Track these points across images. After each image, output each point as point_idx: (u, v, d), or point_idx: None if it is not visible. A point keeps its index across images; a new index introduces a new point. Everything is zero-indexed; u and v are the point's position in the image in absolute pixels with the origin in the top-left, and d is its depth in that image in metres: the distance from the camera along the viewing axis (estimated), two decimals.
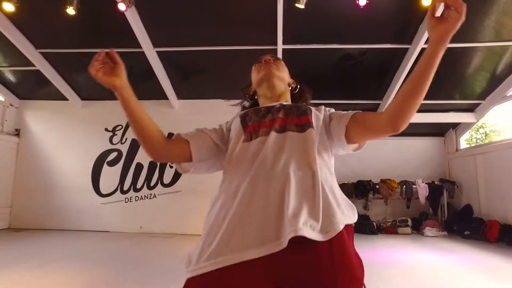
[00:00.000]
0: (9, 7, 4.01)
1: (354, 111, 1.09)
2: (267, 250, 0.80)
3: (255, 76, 1.28)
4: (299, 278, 0.81)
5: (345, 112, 1.13)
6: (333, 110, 1.19)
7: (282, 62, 1.31)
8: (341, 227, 0.88)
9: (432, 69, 0.92)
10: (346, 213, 0.95)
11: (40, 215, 6.44)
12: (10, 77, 6.40)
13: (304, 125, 1.04)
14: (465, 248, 5.05)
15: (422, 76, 0.92)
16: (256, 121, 1.07)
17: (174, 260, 4.16)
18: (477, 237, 5.79)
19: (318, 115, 1.13)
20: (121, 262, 4.03)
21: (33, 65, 5.65)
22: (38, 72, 5.84)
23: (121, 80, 1.05)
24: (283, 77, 1.27)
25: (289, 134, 1.01)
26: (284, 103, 1.18)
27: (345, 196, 1.03)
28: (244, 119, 1.11)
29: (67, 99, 6.58)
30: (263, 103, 1.23)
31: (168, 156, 1.16)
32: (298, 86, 1.34)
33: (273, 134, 1.01)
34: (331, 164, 1.10)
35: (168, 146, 1.11)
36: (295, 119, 1.07)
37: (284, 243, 0.80)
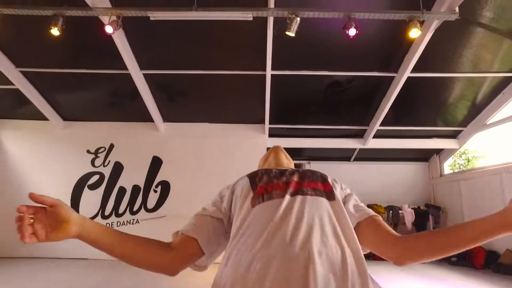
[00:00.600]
0: None
1: (373, 212, 1.02)
2: None
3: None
4: None
5: (362, 204, 1.06)
6: (348, 190, 1.11)
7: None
8: None
9: (476, 244, 0.85)
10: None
11: (15, 242, 6.00)
12: None
13: (329, 193, 0.94)
14: (453, 275, 5.02)
15: (462, 246, 0.85)
16: (267, 182, 0.96)
17: None
18: (463, 263, 5.79)
19: (337, 186, 1.05)
20: None
21: (12, 84, 5.45)
22: (17, 91, 5.63)
23: (75, 222, 0.81)
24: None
25: (308, 196, 0.89)
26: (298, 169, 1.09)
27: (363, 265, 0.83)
28: (253, 178, 1.00)
29: (47, 119, 6.34)
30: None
31: (183, 264, 0.96)
32: None
33: (287, 197, 0.88)
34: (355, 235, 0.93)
35: (177, 257, 0.94)
36: (314, 183, 0.97)
37: None
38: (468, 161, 8.99)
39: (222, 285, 0.79)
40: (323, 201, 0.91)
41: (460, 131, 6.71)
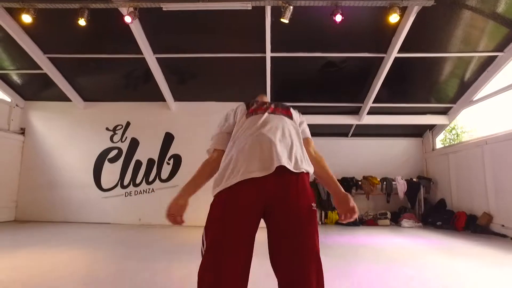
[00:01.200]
0: (27, 19, 4.47)
1: (309, 135, 1.71)
2: (264, 173, 1.34)
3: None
4: (277, 194, 1.36)
5: (307, 129, 1.73)
6: (303, 119, 1.75)
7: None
8: (304, 170, 1.44)
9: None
10: (307, 165, 1.50)
11: (44, 208, 6.87)
12: (17, 79, 6.84)
13: (290, 115, 1.65)
14: (434, 236, 5.64)
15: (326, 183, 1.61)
16: (255, 107, 1.64)
17: (174, 243, 4.65)
18: (447, 227, 6.40)
19: (296, 114, 1.71)
20: (124, 245, 4.50)
21: (40, 69, 6.10)
22: (43, 75, 6.30)
23: (186, 207, 1.53)
24: None
25: (277, 115, 1.60)
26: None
27: (308, 157, 1.55)
28: (248, 104, 1.69)
29: (70, 100, 7.03)
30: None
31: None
32: None
33: (266, 114, 1.58)
34: (300, 137, 1.60)
35: (217, 164, 1.54)
36: (282, 110, 1.66)
37: (273, 168, 1.35)
38: (457, 135, 9.45)
39: (229, 158, 1.44)
40: (286, 119, 1.60)
41: (450, 107, 7.17)
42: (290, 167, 1.38)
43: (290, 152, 1.43)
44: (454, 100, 6.96)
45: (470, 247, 4.51)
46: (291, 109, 1.70)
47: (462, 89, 6.57)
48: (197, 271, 1.30)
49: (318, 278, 1.30)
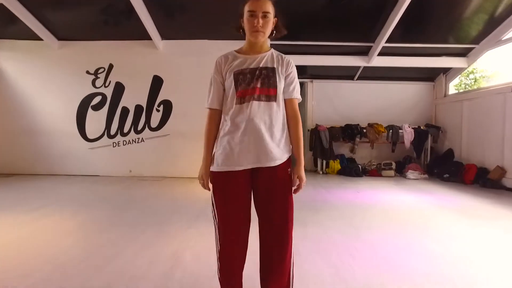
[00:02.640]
0: None
1: (294, 96, 1.59)
2: (254, 166, 1.52)
3: (247, 28, 1.55)
4: (261, 182, 1.54)
5: (293, 86, 1.59)
6: (293, 73, 1.61)
7: (269, 19, 1.54)
8: (281, 162, 1.54)
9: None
10: (283, 155, 1.55)
11: (25, 159, 6.41)
12: None
13: (271, 96, 1.53)
14: (441, 190, 5.32)
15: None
16: (243, 87, 1.52)
17: (165, 201, 4.29)
18: (455, 180, 6.09)
19: (280, 73, 1.57)
20: (113, 204, 4.14)
21: None
22: (3, 7, 5.35)
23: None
24: (266, 36, 1.58)
25: (262, 103, 1.52)
26: (262, 66, 1.56)
27: (286, 138, 1.58)
28: (236, 81, 1.54)
29: (42, 39, 6.14)
30: (247, 47, 1.63)
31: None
32: (275, 31, 1.64)
33: (253, 103, 1.51)
34: (283, 114, 1.58)
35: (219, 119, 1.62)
36: (266, 90, 1.53)
37: (263, 164, 1.51)
38: (475, 80, 8.72)
39: (226, 140, 1.52)
40: (270, 104, 1.53)
41: (471, 48, 6.41)
42: (271, 163, 1.52)
43: (266, 150, 1.52)
44: (477, 40, 6.18)
45: (488, 208, 4.17)
46: (277, 80, 1.55)
47: (490, 26, 5.76)
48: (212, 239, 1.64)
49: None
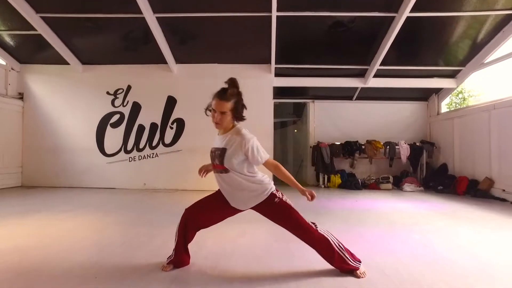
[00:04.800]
0: None
1: (258, 161, 2.09)
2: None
3: (212, 119, 2.10)
4: (262, 213, 2.21)
5: (253, 156, 2.06)
6: (248, 147, 2.04)
7: (226, 115, 2.04)
8: (257, 203, 2.14)
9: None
10: (251, 203, 2.14)
11: (50, 174, 6.92)
12: (9, 40, 6.56)
13: (226, 169, 2.09)
14: (435, 199, 5.73)
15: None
16: (213, 162, 2.17)
17: (180, 208, 4.70)
18: (448, 191, 6.49)
19: (232, 152, 2.06)
20: (131, 210, 4.57)
21: (34, 29, 5.83)
22: (38, 36, 6.03)
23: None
24: (223, 126, 2.10)
25: (223, 175, 2.13)
26: (220, 146, 2.10)
27: (257, 188, 2.12)
28: (211, 158, 2.20)
29: (68, 63, 6.81)
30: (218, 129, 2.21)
31: None
32: (235, 117, 2.12)
33: (217, 175, 2.17)
34: (248, 175, 2.11)
35: None
36: (220, 166, 2.10)
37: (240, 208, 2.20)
38: (464, 99, 9.29)
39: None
40: (228, 175, 2.10)
41: (459, 70, 6.98)
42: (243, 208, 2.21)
43: (244, 202, 2.17)
44: (463, 63, 6.76)
45: (472, 211, 4.58)
46: (225, 161, 2.07)
47: (474, 51, 6.35)
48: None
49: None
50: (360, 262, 2.13)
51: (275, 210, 2.12)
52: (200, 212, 2.22)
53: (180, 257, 2.21)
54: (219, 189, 2.22)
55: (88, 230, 3.33)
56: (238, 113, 2.07)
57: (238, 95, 2.07)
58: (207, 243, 2.82)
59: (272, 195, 2.11)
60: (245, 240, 2.96)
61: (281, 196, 2.13)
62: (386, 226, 3.60)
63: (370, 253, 2.56)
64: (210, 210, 2.23)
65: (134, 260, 2.37)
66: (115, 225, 3.55)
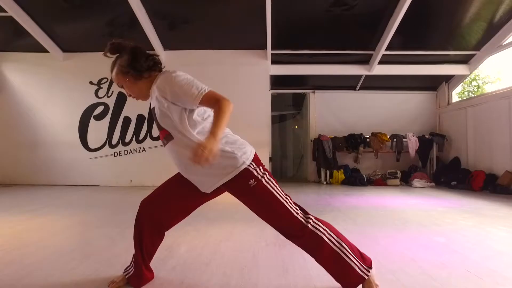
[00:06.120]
0: None
1: (197, 97, 1.40)
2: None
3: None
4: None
5: (185, 95, 1.42)
6: (175, 85, 1.44)
7: (128, 84, 1.55)
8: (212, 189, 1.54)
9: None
10: (211, 182, 1.50)
11: (28, 170, 6.39)
12: None
13: (169, 135, 1.48)
14: (450, 196, 5.16)
15: None
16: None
17: None
18: (463, 187, 5.92)
19: (161, 101, 1.47)
20: (114, 207, 4.06)
21: (4, 11, 5.28)
22: (12, 20, 5.48)
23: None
24: (137, 93, 1.59)
25: (169, 145, 1.52)
26: (152, 106, 1.58)
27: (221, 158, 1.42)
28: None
29: (48, 51, 6.27)
30: None
31: None
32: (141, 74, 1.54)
33: (166, 148, 1.55)
34: (197, 137, 1.44)
35: None
36: (163, 132, 1.51)
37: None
38: (478, 87, 8.67)
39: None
40: (174, 143, 1.48)
41: (473, 55, 6.40)
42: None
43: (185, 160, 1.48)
44: (477, 47, 6.18)
45: (497, 208, 4.00)
46: (158, 116, 1.51)
47: (489, 33, 5.77)
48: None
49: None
50: (371, 267, 1.50)
51: (250, 196, 1.48)
52: (159, 204, 1.61)
53: (138, 272, 1.60)
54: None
55: (42, 232, 2.78)
56: (138, 68, 1.50)
57: (123, 50, 1.54)
58: (181, 248, 2.28)
59: (246, 173, 1.44)
60: (229, 244, 2.40)
61: (260, 174, 1.45)
62: (400, 226, 3.03)
63: (386, 260, 2.00)
64: (174, 199, 1.60)
65: (76, 272, 1.82)
66: (78, 227, 3.01)
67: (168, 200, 1.61)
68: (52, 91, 6.49)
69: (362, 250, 1.55)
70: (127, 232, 2.74)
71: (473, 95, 8.71)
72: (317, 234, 1.45)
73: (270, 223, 1.53)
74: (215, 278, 1.75)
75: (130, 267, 1.65)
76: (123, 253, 2.17)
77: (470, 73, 6.76)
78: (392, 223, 3.15)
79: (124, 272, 1.65)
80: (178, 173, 1.63)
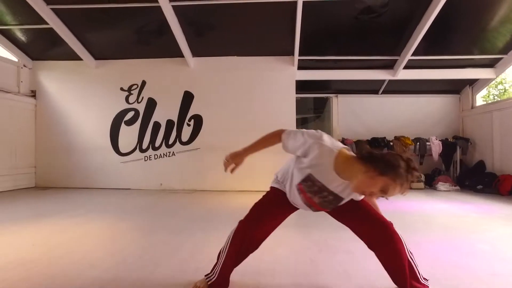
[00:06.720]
0: None
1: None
2: None
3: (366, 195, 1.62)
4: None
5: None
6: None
7: None
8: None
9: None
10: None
11: (63, 174, 6.65)
12: (21, 36, 6.29)
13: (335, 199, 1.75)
14: (478, 200, 5.20)
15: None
16: (311, 198, 1.75)
17: (199, 211, 4.34)
18: (489, 191, 5.94)
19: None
20: (149, 213, 4.22)
21: (45, 23, 5.54)
22: (50, 30, 5.74)
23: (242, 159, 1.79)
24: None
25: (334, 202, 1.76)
26: (336, 192, 1.72)
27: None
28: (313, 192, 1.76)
29: (81, 59, 6.52)
30: None
31: None
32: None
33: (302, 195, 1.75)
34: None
35: None
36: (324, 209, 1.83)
37: None
38: (505, 91, 8.61)
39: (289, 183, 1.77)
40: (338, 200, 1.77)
41: (499, 59, 6.41)
42: None
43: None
44: (504, 50, 6.18)
45: None
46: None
47: None
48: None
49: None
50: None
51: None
52: (261, 225, 1.76)
53: (221, 281, 1.75)
54: (276, 188, 1.83)
55: (101, 238, 2.97)
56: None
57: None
58: None
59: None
60: (284, 250, 2.54)
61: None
62: (440, 232, 3.13)
63: (437, 268, 2.12)
64: (273, 219, 1.81)
65: (156, 277, 1.98)
66: (132, 232, 3.18)
67: (270, 223, 1.80)
68: (85, 97, 6.74)
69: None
70: (181, 238, 2.90)
71: (499, 99, 8.65)
72: (400, 237, 1.76)
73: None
74: (286, 281, 1.89)
75: (212, 275, 1.77)
76: (189, 258, 2.33)
77: (496, 76, 6.76)
78: (431, 229, 3.24)
79: (206, 278, 1.80)
80: (275, 191, 1.84)
